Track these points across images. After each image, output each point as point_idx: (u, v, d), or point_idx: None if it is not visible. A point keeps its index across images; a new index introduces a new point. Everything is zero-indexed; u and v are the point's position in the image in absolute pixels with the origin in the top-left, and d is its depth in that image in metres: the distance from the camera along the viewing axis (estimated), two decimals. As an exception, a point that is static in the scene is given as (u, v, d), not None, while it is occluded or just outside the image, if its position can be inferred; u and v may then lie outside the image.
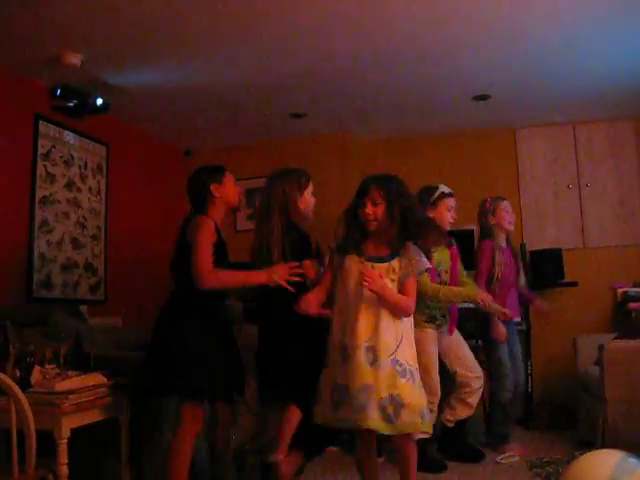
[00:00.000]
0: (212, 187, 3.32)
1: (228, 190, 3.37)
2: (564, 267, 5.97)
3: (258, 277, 3.21)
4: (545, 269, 5.96)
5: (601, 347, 4.18)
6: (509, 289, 4.82)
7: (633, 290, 5.80)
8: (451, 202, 4.47)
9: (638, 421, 3.89)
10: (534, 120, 6.24)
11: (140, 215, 6.03)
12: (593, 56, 4.70)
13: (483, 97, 5.51)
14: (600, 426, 4.16)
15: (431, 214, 4.33)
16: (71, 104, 4.78)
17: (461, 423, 4.50)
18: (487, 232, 4.87)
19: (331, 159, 6.42)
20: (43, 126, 4.88)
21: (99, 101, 4.82)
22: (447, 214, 4.42)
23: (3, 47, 4.22)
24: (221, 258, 3.20)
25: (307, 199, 3.60)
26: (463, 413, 4.46)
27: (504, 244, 4.83)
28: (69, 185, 5.13)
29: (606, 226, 6.19)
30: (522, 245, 5.95)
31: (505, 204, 4.91)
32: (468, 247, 6.20)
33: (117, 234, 5.65)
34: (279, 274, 3.16)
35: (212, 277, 3.11)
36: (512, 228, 4.92)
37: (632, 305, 5.61)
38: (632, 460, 2.55)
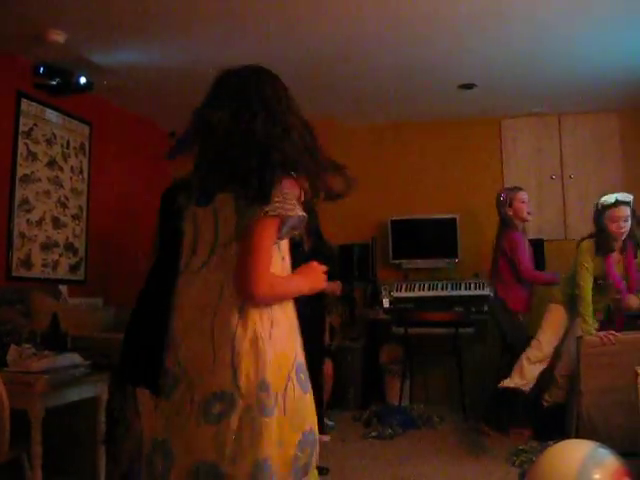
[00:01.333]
0: None
1: None
2: (545, 258, 6.00)
3: None
4: (526, 260, 5.99)
5: (578, 339, 4.22)
6: None
7: (612, 282, 5.84)
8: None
9: (612, 413, 3.93)
10: (519, 110, 6.24)
11: (122, 196, 5.98)
12: (580, 48, 4.70)
13: (469, 86, 5.50)
14: (574, 416, 4.21)
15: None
16: (54, 82, 4.72)
17: None
18: (509, 223, 5.04)
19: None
20: (25, 104, 4.81)
21: (82, 80, 4.77)
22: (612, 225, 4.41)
23: (-15, 22, 4.16)
24: None
25: None
26: None
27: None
28: (51, 164, 5.07)
29: (588, 218, 6.19)
30: (504, 235, 5.97)
31: (521, 195, 5.05)
32: (450, 236, 6.27)
33: (98, 214, 5.60)
34: None
35: None
36: (530, 218, 5.12)
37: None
38: (602, 451, 2.60)
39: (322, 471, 3.84)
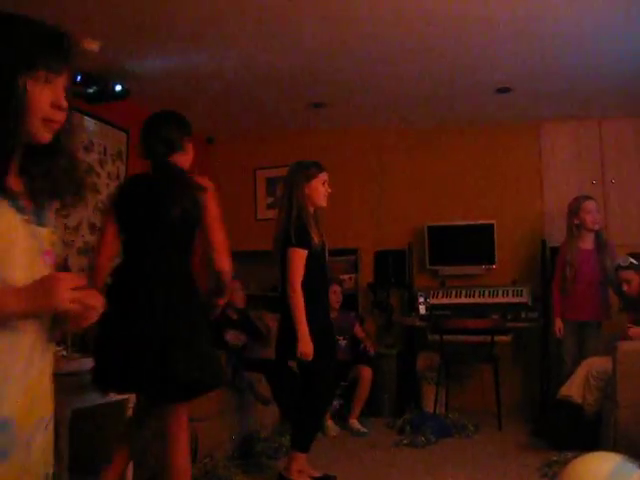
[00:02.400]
0: None
1: None
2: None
3: None
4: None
5: (614, 348, 4.10)
6: (587, 288, 4.99)
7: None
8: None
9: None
10: (558, 114, 6.11)
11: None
12: (620, 50, 4.58)
13: (506, 89, 5.41)
14: (611, 428, 4.09)
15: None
16: (91, 90, 4.82)
17: None
18: (569, 232, 5.13)
19: (351, 150, 6.40)
20: (63, 112, 4.91)
21: (118, 87, 4.86)
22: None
23: (23, 32, 4.26)
24: None
25: (315, 186, 3.68)
26: None
27: (588, 245, 5.05)
28: (88, 171, 5.17)
29: (630, 224, 6.05)
30: (542, 241, 5.86)
31: (587, 204, 5.06)
32: (488, 242, 6.17)
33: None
34: None
35: None
36: (597, 227, 5.07)
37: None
38: (629, 465, 2.50)
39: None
